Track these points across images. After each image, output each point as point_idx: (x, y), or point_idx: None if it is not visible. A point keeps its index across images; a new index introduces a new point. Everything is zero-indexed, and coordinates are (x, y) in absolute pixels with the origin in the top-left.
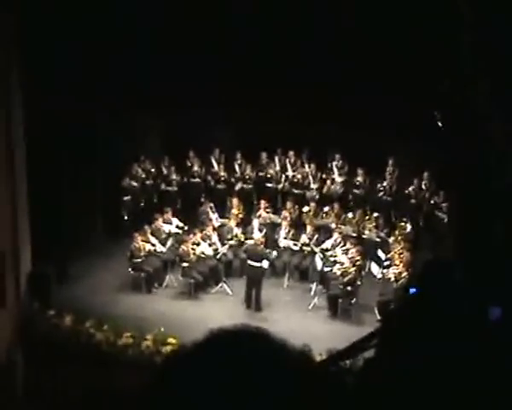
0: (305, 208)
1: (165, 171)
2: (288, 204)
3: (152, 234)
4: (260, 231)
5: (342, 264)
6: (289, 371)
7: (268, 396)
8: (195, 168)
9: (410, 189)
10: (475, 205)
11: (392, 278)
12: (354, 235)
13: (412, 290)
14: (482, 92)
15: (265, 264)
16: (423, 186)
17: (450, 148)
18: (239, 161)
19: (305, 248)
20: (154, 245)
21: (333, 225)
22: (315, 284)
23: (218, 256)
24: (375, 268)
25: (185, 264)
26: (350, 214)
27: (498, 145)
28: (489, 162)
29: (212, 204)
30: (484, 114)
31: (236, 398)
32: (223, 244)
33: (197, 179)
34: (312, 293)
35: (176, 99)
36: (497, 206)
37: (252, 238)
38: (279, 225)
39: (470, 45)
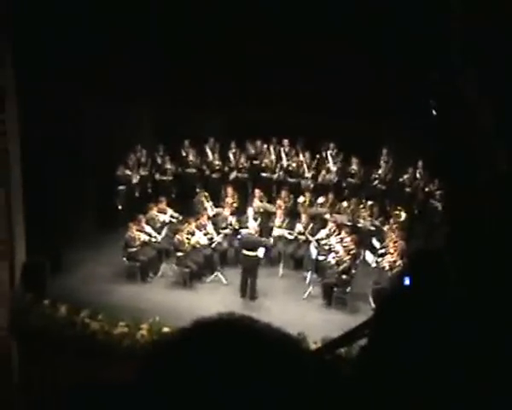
0: (301, 199)
1: (159, 160)
2: (283, 193)
3: (147, 223)
4: (255, 220)
5: (337, 253)
6: (271, 360)
7: (248, 385)
8: (190, 158)
9: (405, 177)
10: (466, 194)
11: (387, 267)
12: (349, 224)
13: (406, 279)
14: (470, 81)
15: (260, 253)
16: (418, 175)
17: (442, 136)
18: (233, 150)
19: (299, 237)
20: (149, 235)
21: (327, 215)
22: (310, 272)
23: (212, 245)
24: (369, 257)
25: (180, 253)
26: (344, 203)
27: (487, 134)
28: (477, 151)
29: (206, 193)
30: (472, 103)
31: (218, 386)
32: (218, 233)
33: (192, 169)
34: (307, 282)
35: (171, 88)
36: (486, 195)
37: (246, 227)
38: (274, 214)
39: (458, 34)
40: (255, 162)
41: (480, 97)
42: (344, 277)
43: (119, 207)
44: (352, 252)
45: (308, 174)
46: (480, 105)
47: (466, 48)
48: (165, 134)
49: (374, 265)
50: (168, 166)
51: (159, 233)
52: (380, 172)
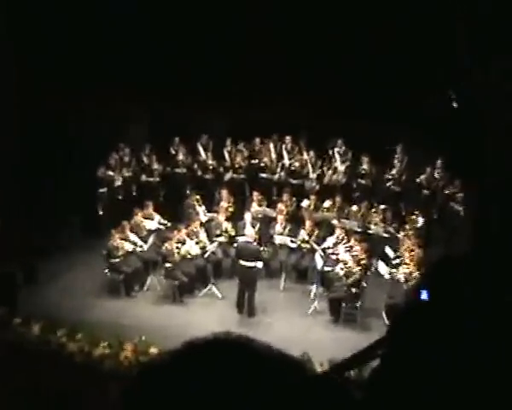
0: (305, 203)
1: (145, 160)
2: (285, 196)
3: (131, 231)
4: (253, 226)
5: (345, 263)
6: (272, 385)
7: None
8: (180, 157)
9: (422, 177)
10: (493, 196)
11: (402, 279)
12: (359, 230)
13: (424, 293)
14: (479, 82)
15: (259, 264)
16: (436, 175)
17: (464, 133)
18: (229, 148)
19: (303, 245)
20: (133, 243)
21: (335, 220)
22: (315, 285)
23: (205, 255)
24: (382, 267)
25: (169, 264)
26: (354, 207)
27: (499, 134)
28: (488, 152)
29: (198, 197)
30: (482, 103)
31: None
32: (211, 242)
33: (182, 169)
34: (312, 296)
35: (159, 83)
36: (493, 195)
37: (244, 235)
38: (274, 219)
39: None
40: (253, 161)
41: (492, 98)
42: (353, 290)
43: (100, 213)
44: (362, 262)
45: (313, 175)
46: (491, 106)
47: (475, 49)
48: (152, 130)
49: (387, 276)
50: (155, 166)
51: (145, 242)
52: (393, 172)
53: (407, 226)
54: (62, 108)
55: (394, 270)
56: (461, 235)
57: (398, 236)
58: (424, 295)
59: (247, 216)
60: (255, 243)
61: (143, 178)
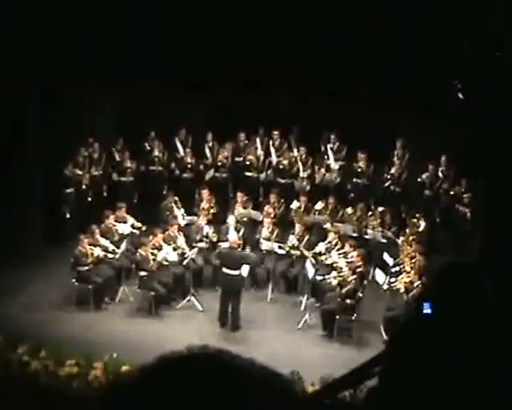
0: (294, 204)
1: (117, 156)
2: (272, 197)
3: (102, 236)
4: (237, 230)
5: (339, 271)
6: (256, 407)
7: None
8: (156, 153)
9: (424, 176)
10: (505, 196)
11: (402, 289)
12: (354, 235)
13: (426, 305)
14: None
15: (244, 271)
16: (440, 174)
17: (473, 125)
18: (210, 144)
19: (293, 251)
20: (104, 249)
21: (328, 224)
22: (306, 296)
23: (184, 262)
24: (380, 276)
25: (144, 273)
26: (349, 209)
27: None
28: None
29: (176, 198)
30: None
31: None
32: (191, 248)
33: (158, 167)
34: (302, 308)
35: (132, 69)
36: None
37: (227, 240)
38: (261, 223)
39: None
40: (237, 159)
41: None
42: (348, 301)
43: (67, 216)
44: (358, 270)
45: (303, 174)
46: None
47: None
48: (125, 124)
49: (385, 286)
50: (128, 163)
51: (117, 247)
52: (393, 170)
53: (408, 231)
54: (18, 97)
55: (393, 279)
56: (468, 241)
57: (398, 241)
58: (427, 308)
59: (231, 219)
60: (239, 250)
61: (115, 176)
